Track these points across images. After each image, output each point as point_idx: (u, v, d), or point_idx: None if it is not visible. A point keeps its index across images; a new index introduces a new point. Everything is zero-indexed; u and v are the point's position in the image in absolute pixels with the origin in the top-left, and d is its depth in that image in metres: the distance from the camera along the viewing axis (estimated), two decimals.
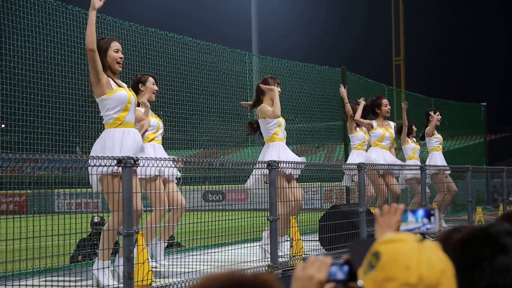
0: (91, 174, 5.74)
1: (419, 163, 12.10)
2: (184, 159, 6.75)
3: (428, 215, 2.14)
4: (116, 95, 5.97)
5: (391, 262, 1.72)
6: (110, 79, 6.02)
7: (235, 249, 7.67)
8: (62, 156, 5.43)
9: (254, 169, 7.87)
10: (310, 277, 1.79)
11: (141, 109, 7.09)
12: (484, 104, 21.46)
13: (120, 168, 5.26)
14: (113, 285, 5.80)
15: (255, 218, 7.83)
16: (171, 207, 7.23)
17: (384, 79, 19.99)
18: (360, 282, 1.77)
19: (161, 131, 7.52)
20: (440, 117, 12.21)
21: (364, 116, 10.19)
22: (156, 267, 6.90)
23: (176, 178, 7.48)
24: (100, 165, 5.32)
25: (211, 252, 7.15)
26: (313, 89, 13.48)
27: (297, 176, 8.13)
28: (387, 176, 9.91)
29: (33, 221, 6.38)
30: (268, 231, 7.19)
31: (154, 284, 5.70)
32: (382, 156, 9.94)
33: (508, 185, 14.96)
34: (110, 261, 6.00)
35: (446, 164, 12.32)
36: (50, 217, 6.76)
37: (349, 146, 13.06)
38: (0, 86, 7.79)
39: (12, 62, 7.93)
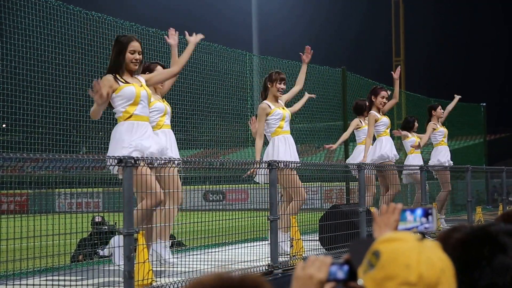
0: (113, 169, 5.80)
1: (420, 157, 12.15)
2: (185, 159, 6.76)
3: (426, 214, 2.14)
4: (122, 92, 6.09)
5: (391, 261, 1.73)
6: (117, 77, 6.11)
7: (235, 248, 7.68)
8: (63, 155, 5.44)
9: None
10: (310, 276, 1.79)
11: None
12: (484, 104, 21.46)
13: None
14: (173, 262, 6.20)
15: (255, 218, 7.84)
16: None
17: (384, 79, 19.93)
18: (360, 281, 1.78)
19: (168, 115, 7.50)
20: (442, 111, 12.24)
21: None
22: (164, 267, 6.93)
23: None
24: (100, 165, 5.34)
25: (212, 252, 7.15)
26: (314, 89, 13.47)
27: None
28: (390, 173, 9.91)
29: (34, 221, 6.39)
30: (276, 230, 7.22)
31: (154, 284, 5.71)
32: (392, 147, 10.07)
33: (508, 185, 14.97)
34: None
35: (449, 159, 12.31)
36: (50, 216, 6.76)
37: (349, 145, 13.08)
38: (1, 85, 7.79)
39: (13, 62, 7.94)
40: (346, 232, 8.02)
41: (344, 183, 11.33)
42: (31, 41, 8.15)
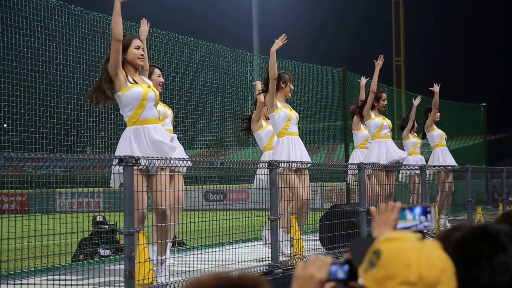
0: (115, 174, 5.73)
1: (421, 158, 12.14)
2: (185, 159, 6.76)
3: (425, 212, 2.14)
4: (129, 92, 5.93)
5: (392, 260, 1.73)
6: (128, 76, 6.01)
7: (236, 248, 7.69)
8: (64, 155, 5.45)
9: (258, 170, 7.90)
10: (310, 276, 1.79)
11: None
12: (484, 104, 21.46)
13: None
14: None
15: (256, 218, 7.85)
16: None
17: (384, 79, 19.95)
18: (360, 280, 1.77)
19: (169, 118, 7.39)
20: (439, 114, 12.22)
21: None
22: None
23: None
24: (103, 165, 5.35)
25: (212, 251, 7.16)
26: (314, 89, 13.48)
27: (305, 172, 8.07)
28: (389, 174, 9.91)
29: (35, 220, 6.41)
30: (268, 230, 7.21)
31: (155, 283, 5.72)
32: (385, 148, 10.01)
33: (508, 185, 14.97)
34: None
35: (446, 161, 12.29)
36: (51, 216, 6.77)
37: (349, 146, 13.09)
38: (2, 85, 7.81)
39: (15, 62, 7.95)
40: (346, 232, 8.03)
41: (345, 183, 11.35)
42: (32, 41, 8.16)
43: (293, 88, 8.38)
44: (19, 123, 7.95)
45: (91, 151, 9.62)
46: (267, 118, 8.75)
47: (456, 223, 2.26)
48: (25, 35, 8.08)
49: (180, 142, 10.90)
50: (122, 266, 5.31)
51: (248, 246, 7.71)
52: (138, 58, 6.08)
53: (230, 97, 11.73)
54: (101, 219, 8.71)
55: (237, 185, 12.75)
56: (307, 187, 8.05)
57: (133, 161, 5.24)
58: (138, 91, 5.96)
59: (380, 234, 2.07)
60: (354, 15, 47.95)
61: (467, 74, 45.09)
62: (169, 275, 6.22)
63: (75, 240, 6.42)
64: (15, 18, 7.97)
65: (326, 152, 18.17)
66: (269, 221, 6.91)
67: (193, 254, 7.26)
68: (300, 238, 7.60)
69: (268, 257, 6.97)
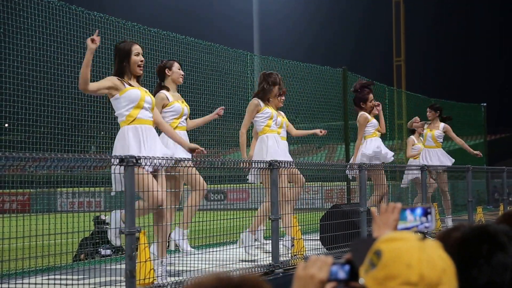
0: (116, 175, 5.72)
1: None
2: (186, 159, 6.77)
3: (426, 213, 2.15)
4: (127, 93, 6.01)
5: (393, 261, 1.73)
6: (123, 81, 6.05)
7: (236, 248, 7.71)
8: (65, 155, 5.46)
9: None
10: (311, 276, 1.79)
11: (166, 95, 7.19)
12: (484, 104, 21.47)
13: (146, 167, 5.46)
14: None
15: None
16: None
17: (384, 79, 19.99)
18: (361, 280, 1.77)
19: (185, 116, 7.38)
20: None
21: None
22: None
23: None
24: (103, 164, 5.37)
25: (213, 251, 7.17)
26: (314, 89, 13.50)
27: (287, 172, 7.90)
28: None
29: (36, 220, 6.42)
30: (246, 232, 7.21)
31: (156, 283, 5.73)
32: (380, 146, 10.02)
33: (509, 185, 14.98)
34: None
35: (438, 161, 12.36)
36: (52, 216, 6.79)
37: (350, 146, 13.10)
38: (3, 85, 7.82)
39: (16, 62, 7.96)
40: (347, 232, 8.04)
41: (345, 182, 11.35)
42: (34, 41, 8.17)
43: (283, 90, 8.43)
44: (20, 123, 7.96)
45: (95, 151, 9.64)
46: None
47: (456, 223, 2.27)
48: (26, 35, 8.09)
49: None
50: (123, 266, 5.33)
51: (248, 246, 7.72)
52: (138, 66, 6.14)
53: (230, 97, 11.74)
54: (104, 218, 8.72)
55: (237, 185, 12.74)
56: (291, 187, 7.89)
57: (134, 161, 5.25)
58: (136, 93, 6.04)
59: (381, 235, 2.07)
60: (354, 15, 47.99)
61: (467, 74, 45.12)
62: (166, 275, 6.23)
63: (76, 239, 6.42)
64: (16, 18, 7.99)
65: (326, 152, 18.16)
66: (270, 220, 6.93)
67: (193, 254, 7.27)
68: (301, 238, 7.61)
69: (269, 257, 6.98)
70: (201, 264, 6.92)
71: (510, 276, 1.92)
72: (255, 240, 7.70)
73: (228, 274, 1.63)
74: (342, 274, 1.80)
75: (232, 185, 13.14)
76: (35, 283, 6.07)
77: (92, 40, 5.72)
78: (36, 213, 8.41)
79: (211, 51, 11.30)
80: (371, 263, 1.77)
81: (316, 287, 1.79)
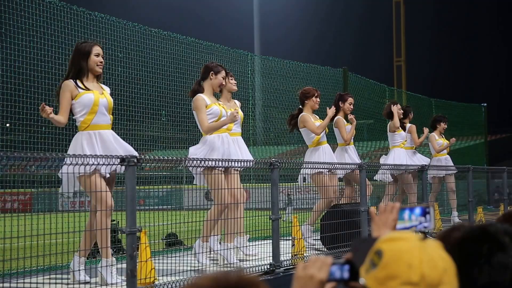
0: (67, 173, 5.68)
1: (447, 158, 12.43)
2: (186, 158, 6.79)
3: (424, 213, 2.16)
4: (80, 99, 6.05)
5: (394, 260, 1.73)
6: (77, 83, 6.08)
7: (236, 248, 7.70)
8: (66, 154, 5.47)
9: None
10: (311, 276, 1.80)
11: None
12: (485, 104, 21.47)
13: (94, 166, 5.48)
14: (119, 282, 5.84)
15: (256, 217, 7.87)
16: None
17: (385, 79, 20.01)
18: (362, 280, 1.78)
19: (223, 118, 7.28)
20: (402, 111, 11.88)
21: None
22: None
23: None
24: (103, 164, 5.38)
25: (213, 251, 7.19)
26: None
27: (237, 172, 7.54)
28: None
29: (38, 219, 6.43)
30: (199, 239, 7.16)
31: (156, 282, 5.75)
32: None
33: (509, 185, 14.99)
34: (114, 259, 6.06)
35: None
36: (54, 215, 6.80)
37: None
38: (5, 85, 7.83)
39: (17, 62, 7.97)
40: (347, 232, 8.05)
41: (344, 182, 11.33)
42: (35, 41, 8.19)
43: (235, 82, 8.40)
44: (21, 123, 7.98)
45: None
46: None
47: (456, 223, 2.28)
48: (27, 35, 8.11)
49: (181, 142, 10.98)
50: (124, 265, 5.34)
51: (248, 246, 7.73)
52: (97, 65, 6.19)
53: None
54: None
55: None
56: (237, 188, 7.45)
57: (135, 161, 5.27)
58: (89, 97, 6.06)
59: (380, 234, 2.07)
60: (355, 15, 47.99)
61: (468, 74, 45.11)
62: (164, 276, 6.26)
63: (77, 239, 6.44)
64: (17, 19, 8.00)
65: None
66: (270, 221, 6.94)
67: (193, 254, 7.28)
68: (301, 238, 7.62)
69: (270, 257, 6.99)
70: (202, 263, 6.93)
71: (510, 276, 1.92)
72: (210, 248, 7.24)
73: (226, 274, 1.63)
74: (341, 274, 1.81)
75: None
76: (36, 283, 6.09)
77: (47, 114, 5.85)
78: (38, 212, 8.43)
79: (212, 52, 11.30)
80: (372, 263, 1.78)
81: (316, 287, 1.79)
